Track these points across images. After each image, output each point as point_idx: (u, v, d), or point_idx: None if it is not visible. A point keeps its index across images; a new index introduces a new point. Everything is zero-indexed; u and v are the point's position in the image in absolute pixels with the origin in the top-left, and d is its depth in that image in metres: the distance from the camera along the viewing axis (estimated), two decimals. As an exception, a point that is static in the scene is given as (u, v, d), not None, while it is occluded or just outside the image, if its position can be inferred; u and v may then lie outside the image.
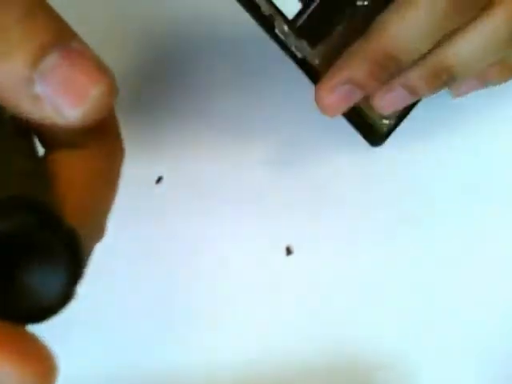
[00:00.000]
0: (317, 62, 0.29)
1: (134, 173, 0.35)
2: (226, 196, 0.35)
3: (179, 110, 0.36)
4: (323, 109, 0.29)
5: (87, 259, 0.19)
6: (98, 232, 0.20)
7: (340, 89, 0.28)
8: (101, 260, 0.34)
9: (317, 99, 0.28)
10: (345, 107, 0.29)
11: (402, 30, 0.26)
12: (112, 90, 0.18)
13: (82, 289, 0.34)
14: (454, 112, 0.35)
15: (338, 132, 0.35)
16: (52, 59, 0.17)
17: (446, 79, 0.28)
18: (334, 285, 0.33)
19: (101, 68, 0.17)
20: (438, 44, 0.27)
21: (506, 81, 0.30)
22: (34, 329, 0.18)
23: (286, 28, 0.28)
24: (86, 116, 0.17)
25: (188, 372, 0.32)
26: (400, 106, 0.30)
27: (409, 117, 0.33)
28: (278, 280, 0.33)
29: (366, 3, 0.29)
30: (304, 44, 0.28)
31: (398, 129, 0.34)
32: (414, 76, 0.28)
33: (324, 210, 0.34)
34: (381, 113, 0.31)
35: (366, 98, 0.30)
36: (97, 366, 0.32)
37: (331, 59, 0.29)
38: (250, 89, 0.36)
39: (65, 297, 0.18)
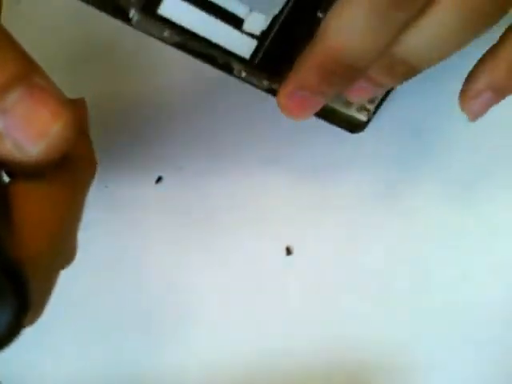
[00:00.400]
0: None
1: (133, 173, 0.35)
2: (226, 196, 0.35)
3: (179, 109, 0.36)
4: (286, 115, 0.28)
5: (53, 285, 0.19)
6: (62, 258, 0.20)
7: (297, 94, 0.27)
8: (101, 260, 0.34)
9: (279, 106, 0.27)
10: (310, 111, 0.27)
11: (341, 29, 0.24)
12: (74, 125, 0.18)
13: (84, 287, 0.34)
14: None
15: (338, 132, 0.35)
16: (15, 95, 0.17)
17: (405, 71, 0.27)
18: (334, 285, 0.33)
19: (62, 103, 0.18)
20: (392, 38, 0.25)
21: None
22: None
23: (243, 70, 0.27)
24: (47, 152, 0.18)
25: (188, 372, 0.32)
26: (367, 96, 0.28)
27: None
28: (277, 280, 0.33)
29: None
30: (265, 79, 0.28)
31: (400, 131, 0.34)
32: (372, 70, 0.26)
33: (324, 211, 0.34)
34: (350, 101, 0.29)
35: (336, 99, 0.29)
36: (88, 368, 0.32)
37: None
38: (249, 88, 0.36)
39: (10, 332, 0.17)
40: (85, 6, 0.38)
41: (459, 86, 0.28)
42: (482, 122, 0.29)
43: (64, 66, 0.37)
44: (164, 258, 0.34)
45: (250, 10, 0.25)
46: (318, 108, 0.27)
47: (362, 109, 0.30)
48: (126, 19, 0.24)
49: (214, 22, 0.25)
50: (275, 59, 0.27)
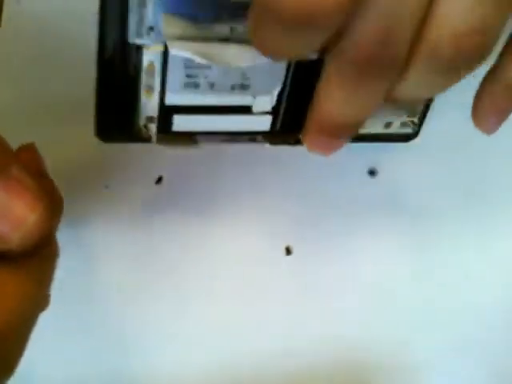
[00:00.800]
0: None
1: (133, 173, 0.35)
2: (226, 196, 0.35)
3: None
4: (318, 153, 0.28)
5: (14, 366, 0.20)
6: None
7: (318, 140, 0.27)
8: (101, 260, 0.34)
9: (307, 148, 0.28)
10: (336, 148, 0.27)
11: (325, 99, 0.25)
12: (49, 216, 0.19)
13: (84, 287, 0.34)
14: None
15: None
16: None
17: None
18: (333, 285, 0.33)
19: (38, 195, 0.19)
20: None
21: None
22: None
23: (268, 140, 0.28)
24: (23, 241, 0.18)
25: (187, 373, 0.32)
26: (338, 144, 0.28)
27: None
28: (277, 280, 0.33)
29: None
30: (291, 138, 0.29)
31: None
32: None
33: (324, 210, 0.34)
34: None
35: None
36: (86, 369, 0.32)
37: None
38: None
39: None
40: (85, 5, 0.38)
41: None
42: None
43: (64, 65, 0.37)
44: (164, 257, 0.34)
45: (254, 97, 0.26)
46: (342, 145, 0.27)
47: (404, 125, 0.30)
48: (149, 141, 0.27)
49: (225, 118, 0.27)
50: (295, 120, 0.27)
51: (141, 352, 0.32)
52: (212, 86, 0.26)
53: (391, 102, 0.26)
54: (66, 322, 0.33)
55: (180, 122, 0.27)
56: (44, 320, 0.33)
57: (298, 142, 0.29)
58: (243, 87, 0.26)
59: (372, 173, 0.35)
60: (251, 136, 0.28)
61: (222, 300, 0.33)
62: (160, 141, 0.27)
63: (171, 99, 0.26)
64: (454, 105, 0.34)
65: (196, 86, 0.26)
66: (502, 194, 0.34)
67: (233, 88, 0.26)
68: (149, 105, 0.26)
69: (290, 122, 0.28)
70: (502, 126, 0.35)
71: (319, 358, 0.32)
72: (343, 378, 0.32)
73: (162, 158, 0.35)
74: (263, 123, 0.28)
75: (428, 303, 0.32)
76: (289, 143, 0.29)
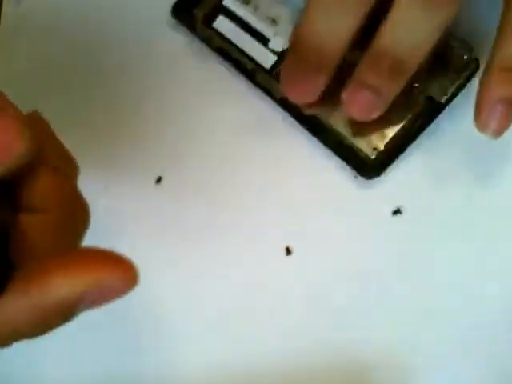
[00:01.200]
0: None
1: (134, 173, 0.35)
2: (226, 196, 0.35)
3: (179, 109, 0.36)
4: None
5: None
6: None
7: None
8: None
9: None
10: (313, 90, 0.30)
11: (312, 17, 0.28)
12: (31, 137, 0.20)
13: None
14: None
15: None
16: None
17: (392, 63, 0.28)
18: (333, 285, 0.33)
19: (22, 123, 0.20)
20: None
21: None
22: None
23: (264, 76, 0.34)
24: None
25: (187, 373, 0.32)
26: (370, 110, 0.30)
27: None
28: (277, 280, 0.33)
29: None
30: (279, 89, 0.33)
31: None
32: (362, 71, 0.29)
33: (324, 210, 0.34)
34: (355, 118, 0.31)
35: (349, 130, 0.33)
36: (85, 369, 0.32)
37: None
38: (250, 88, 0.36)
39: None
40: (85, 5, 0.38)
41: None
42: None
43: (64, 64, 0.37)
44: (164, 257, 0.34)
45: (275, 34, 0.34)
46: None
47: (374, 148, 0.33)
48: (193, 30, 0.35)
49: (247, 38, 0.35)
50: None
51: (141, 352, 0.32)
52: (257, 8, 0.35)
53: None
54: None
55: (220, 22, 0.35)
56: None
57: (281, 99, 0.34)
58: (273, 22, 0.34)
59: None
60: (252, 67, 0.34)
61: (222, 300, 0.33)
62: (200, 31, 0.35)
63: (227, 2, 0.35)
64: (454, 106, 0.34)
65: (247, 2, 0.35)
66: (503, 194, 0.34)
67: (267, 18, 0.35)
68: (209, 2, 0.35)
69: None
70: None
71: (319, 358, 0.32)
72: (343, 377, 0.32)
73: (162, 158, 0.35)
74: (267, 59, 0.34)
75: (428, 303, 0.32)
76: (274, 94, 0.34)
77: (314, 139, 0.34)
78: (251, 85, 0.35)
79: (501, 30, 0.29)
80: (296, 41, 0.29)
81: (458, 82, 0.33)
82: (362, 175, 0.33)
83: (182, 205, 0.35)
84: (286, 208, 0.34)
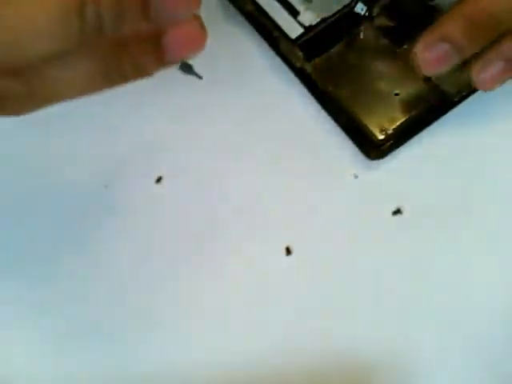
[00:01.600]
0: (309, 70, 0.35)
1: (134, 173, 0.35)
2: (226, 196, 0.35)
3: (179, 109, 0.36)
4: (422, 65, 0.30)
5: None
6: None
7: (437, 47, 0.30)
8: (101, 260, 0.34)
9: (415, 55, 0.30)
10: (442, 67, 0.30)
11: None
12: None
13: (83, 286, 0.34)
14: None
15: (338, 132, 0.35)
16: None
17: (487, 25, 0.29)
18: (334, 285, 0.33)
19: None
20: None
21: None
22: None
23: (288, 45, 0.36)
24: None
25: (187, 372, 0.32)
26: (501, 81, 0.31)
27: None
28: (277, 280, 0.33)
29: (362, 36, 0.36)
30: (300, 58, 0.35)
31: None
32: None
33: (324, 210, 0.34)
34: (482, 89, 0.32)
35: (361, 108, 0.34)
36: (85, 369, 0.32)
37: (323, 68, 0.35)
38: (250, 89, 0.36)
39: None
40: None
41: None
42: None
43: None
44: (164, 257, 0.34)
45: (306, 9, 0.36)
46: (450, 66, 0.30)
47: (383, 130, 0.34)
48: None
49: (278, 7, 0.36)
50: (313, 47, 0.35)
51: (140, 352, 0.32)
52: None
53: None
54: (65, 323, 0.33)
55: None
56: (44, 320, 0.33)
57: (299, 69, 0.36)
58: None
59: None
60: (277, 35, 0.36)
61: (222, 300, 0.33)
62: None
63: None
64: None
65: None
66: (503, 194, 0.34)
67: None
68: None
69: (309, 47, 0.35)
70: (502, 123, 0.35)
71: (319, 358, 0.32)
72: (343, 378, 0.32)
73: (162, 158, 0.35)
74: (294, 30, 0.35)
75: (428, 303, 0.32)
76: (294, 62, 0.36)
77: (314, 139, 0.34)
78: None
79: None
80: (472, 10, 0.29)
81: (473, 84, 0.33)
82: (366, 154, 0.34)
83: (182, 205, 0.35)
84: (286, 208, 0.34)
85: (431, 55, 0.30)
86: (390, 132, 0.34)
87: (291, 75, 0.36)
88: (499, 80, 0.31)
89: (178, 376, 0.32)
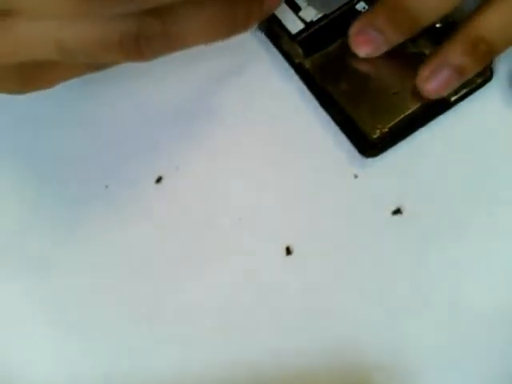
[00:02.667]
0: (308, 66, 0.35)
1: (133, 173, 0.35)
2: (226, 196, 0.35)
3: (179, 109, 0.36)
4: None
5: None
6: None
7: (366, 32, 0.33)
8: (101, 260, 0.34)
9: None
10: (372, 50, 0.34)
11: (493, 19, 0.31)
12: None
13: (83, 286, 0.34)
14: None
15: (338, 133, 0.35)
16: None
17: (486, 49, 0.31)
18: (334, 285, 0.33)
19: None
20: (470, 16, 0.32)
21: None
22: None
23: (288, 41, 0.36)
24: None
25: (187, 372, 0.32)
26: (449, 87, 0.33)
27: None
28: (277, 280, 0.33)
29: None
30: (299, 54, 0.36)
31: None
32: (455, 52, 0.32)
33: (324, 210, 0.34)
34: (430, 97, 0.33)
35: (357, 105, 0.34)
36: (85, 369, 0.32)
37: (322, 64, 0.35)
38: (250, 89, 0.36)
39: None
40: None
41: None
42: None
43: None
44: (164, 257, 0.34)
45: (307, 5, 0.36)
46: (379, 51, 0.34)
47: (377, 127, 0.34)
48: None
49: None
50: (313, 44, 0.36)
51: (140, 352, 0.32)
52: None
53: None
54: (66, 323, 0.33)
55: None
56: (43, 321, 0.33)
57: (298, 65, 0.36)
58: None
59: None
60: (278, 31, 0.36)
61: (222, 300, 0.33)
62: None
63: None
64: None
65: None
66: (503, 195, 0.34)
67: None
68: None
69: (309, 43, 0.36)
70: (501, 123, 0.35)
71: (319, 358, 0.32)
72: (343, 378, 0.32)
73: (161, 158, 0.35)
74: (295, 26, 0.36)
75: (428, 303, 0.32)
76: (293, 58, 0.36)
77: (314, 139, 0.34)
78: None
79: (481, 3, 0.32)
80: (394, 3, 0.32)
81: (470, 86, 0.34)
82: (360, 151, 0.34)
83: (182, 205, 0.35)
84: (287, 208, 0.34)
85: (360, 38, 0.34)
86: (385, 130, 0.34)
87: (291, 72, 0.36)
88: (447, 88, 0.33)
89: (177, 376, 0.32)
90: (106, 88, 0.36)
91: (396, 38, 0.33)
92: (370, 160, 0.34)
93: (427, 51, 0.35)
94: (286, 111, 0.36)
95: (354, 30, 0.34)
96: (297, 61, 0.36)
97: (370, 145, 0.34)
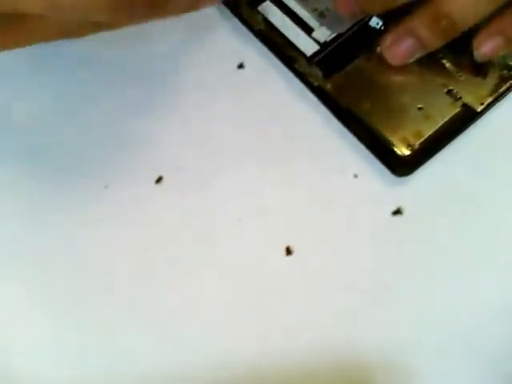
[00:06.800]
0: (329, 87, 0.35)
1: (133, 173, 0.35)
2: (226, 196, 0.35)
3: (179, 109, 0.36)
4: (390, 58, 0.34)
5: None
6: None
7: (403, 42, 0.33)
8: (101, 260, 0.34)
9: (383, 49, 0.34)
10: (408, 59, 0.34)
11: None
12: None
13: (84, 286, 0.34)
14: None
15: (338, 131, 0.35)
16: None
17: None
18: (334, 285, 0.33)
19: None
20: None
21: None
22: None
23: (304, 63, 0.35)
24: None
25: (187, 372, 0.32)
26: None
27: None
28: (278, 280, 0.33)
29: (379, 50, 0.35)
30: (318, 76, 0.35)
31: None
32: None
33: (324, 210, 0.34)
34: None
35: (384, 124, 0.34)
36: (84, 369, 0.32)
37: (342, 85, 0.35)
38: (250, 90, 0.36)
39: None
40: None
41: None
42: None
43: (63, 64, 0.37)
44: (163, 257, 0.34)
45: (320, 25, 0.36)
46: (414, 58, 0.34)
47: (408, 145, 0.34)
48: (236, 10, 0.37)
49: (291, 25, 0.36)
50: (330, 64, 0.35)
51: (140, 352, 0.32)
52: None
53: None
54: (65, 322, 0.33)
55: (265, 6, 0.36)
56: (43, 320, 0.33)
57: (318, 88, 0.35)
58: (321, 15, 0.36)
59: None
60: (293, 54, 0.35)
61: (222, 300, 0.33)
62: (243, 12, 0.37)
63: None
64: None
65: None
66: (505, 195, 0.34)
67: (314, 10, 0.36)
68: None
69: (326, 64, 0.35)
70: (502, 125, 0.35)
71: (319, 358, 0.32)
72: (343, 378, 0.32)
73: (162, 158, 0.35)
74: (309, 48, 0.35)
75: (428, 303, 0.32)
76: (312, 80, 0.35)
77: (314, 139, 0.34)
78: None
79: None
80: (436, 13, 0.32)
81: (495, 94, 0.34)
82: (393, 172, 0.34)
83: (182, 205, 0.35)
84: (287, 208, 0.34)
85: (399, 49, 0.34)
86: (416, 147, 0.33)
87: (290, 75, 0.36)
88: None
89: (177, 376, 0.32)
90: (105, 88, 0.36)
91: (434, 45, 0.33)
92: (369, 160, 0.34)
93: (448, 64, 0.34)
94: (286, 111, 0.36)
95: (389, 39, 0.34)
96: (316, 84, 0.35)
97: (401, 163, 0.33)
